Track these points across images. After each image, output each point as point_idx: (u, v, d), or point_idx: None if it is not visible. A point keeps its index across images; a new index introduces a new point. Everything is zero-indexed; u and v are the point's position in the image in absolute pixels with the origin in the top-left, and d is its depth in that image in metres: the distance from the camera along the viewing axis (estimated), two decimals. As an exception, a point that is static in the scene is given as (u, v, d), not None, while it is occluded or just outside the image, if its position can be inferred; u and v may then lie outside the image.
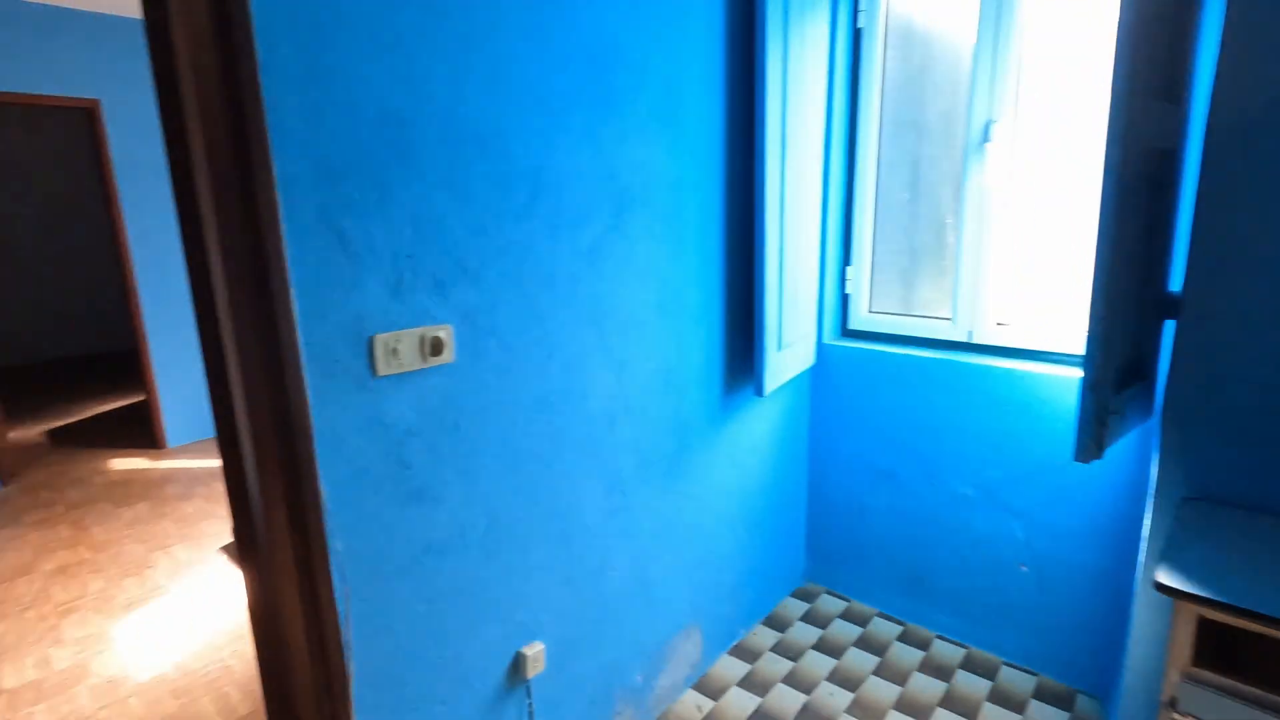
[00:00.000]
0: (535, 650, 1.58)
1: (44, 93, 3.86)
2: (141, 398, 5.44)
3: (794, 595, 2.69)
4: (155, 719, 2.10)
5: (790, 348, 2.23)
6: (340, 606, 1.20)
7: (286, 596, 1.18)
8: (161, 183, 4.28)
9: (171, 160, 1.13)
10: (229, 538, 3.25)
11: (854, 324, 2.55)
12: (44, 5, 3.79)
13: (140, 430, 4.84)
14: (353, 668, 1.23)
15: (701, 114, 1.85)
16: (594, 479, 1.71)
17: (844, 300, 2.56)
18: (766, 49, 1.85)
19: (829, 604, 2.62)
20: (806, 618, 2.54)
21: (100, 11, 3.96)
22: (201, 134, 1.03)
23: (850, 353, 2.47)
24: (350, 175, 1.14)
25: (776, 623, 2.51)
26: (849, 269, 2.52)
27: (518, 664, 1.57)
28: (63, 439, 4.73)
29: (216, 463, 4.24)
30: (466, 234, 1.32)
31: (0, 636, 2.53)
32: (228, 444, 1.22)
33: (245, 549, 1.26)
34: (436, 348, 1.28)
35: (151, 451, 4.47)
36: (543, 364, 1.52)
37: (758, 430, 2.32)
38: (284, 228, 1.06)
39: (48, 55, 3.84)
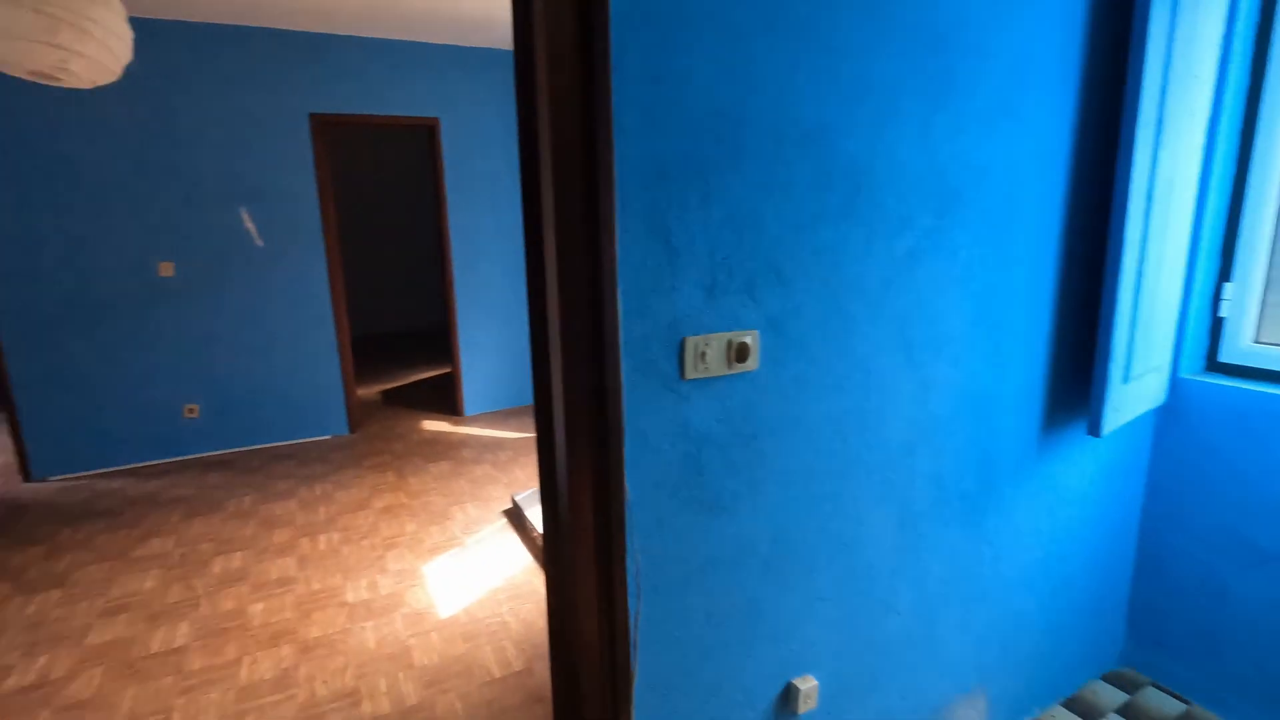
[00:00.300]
0: (808, 685, 1.47)
1: (397, 113, 4.67)
2: (448, 370, 6.41)
3: (1105, 678, 2.21)
4: (449, 656, 2.40)
5: (1137, 380, 1.81)
6: (632, 606, 1.20)
7: (584, 586, 1.21)
8: (479, 189, 4.96)
9: (523, 162, 1.21)
10: (509, 503, 3.65)
11: (1228, 355, 2.00)
12: (398, 41, 4.58)
13: (446, 398, 5.68)
14: (637, 668, 1.23)
15: (1050, 98, 1.56)
16: (885, 510, 1.53)
17: (1215, 325, 2.02)
18: (1151, 15, 1.50)
19: (1158, 701, 2.10)
20: (1126, 712, 2.06)
21: (441, 43, 4.68)
22: (551, 137, 1.08)
23: (1221, 392, 1.94)
24: (678, 175, 1.12)
25: (1081, 708, 2.08)
26: (1227, 286, 1.98)
27: (788, 695, 1.47)
28: (391, 399, 5.75)
29: (503, 434, 4.81)
30: (781, 236, 1.24)
31: (345, 558, 3.11)
32: (543, 432, 1.30)
33: (550, 534, 1.33)
34: (742, 354, 1.23)
35: (453, 417, 5.22)
36: (843, 378, 1.39)
37: (1081, 476, 1.93)
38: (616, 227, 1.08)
39: (401, 82, 4.64)
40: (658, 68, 1.07)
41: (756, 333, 1.25)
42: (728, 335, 1.21)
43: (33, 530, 3.42)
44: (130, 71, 3.26)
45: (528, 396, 5.47)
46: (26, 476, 4.07)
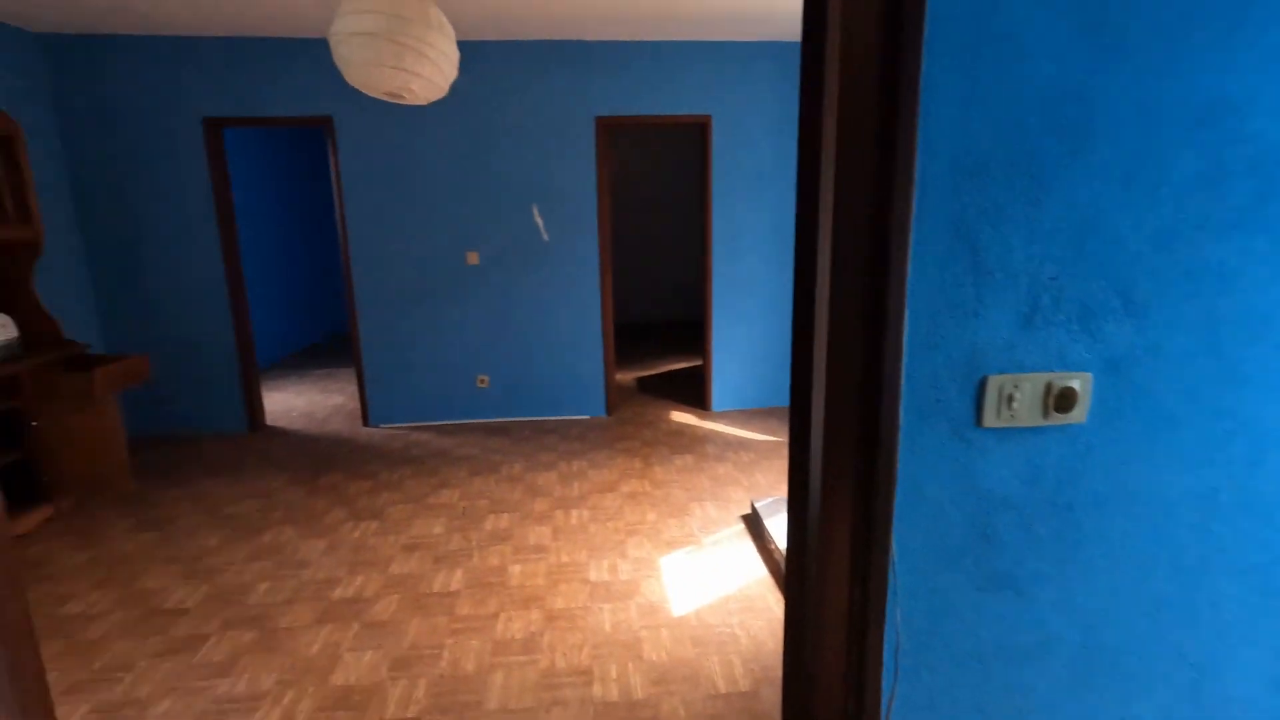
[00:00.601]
0: (1116, 833, 1.13)
1: (672, 113, 4.80)
2: (699, 364, 6.52)
3: None
4: (676, 658, 2.39)
5: None
6: (886, 685, 1.02)
7: (830, 649, 1.06)
8: (746, 186, 4.91)
9: (801, 153, 1.07)
10: (748, 508, 3.55)
11: None
12: (674, 42, 4.67)
13: (694, 391, 5.77)
14: (886, 758, 1.04)
15: None
16: (1263, 627, 1.11)
17: None
18: None
19: None
20: None
21: (715, 40, 4.68)
22: (838, 124, 0.93)
23: None
24: (999, 173, 0.89)
25: None
26: None
27: (1084, 836, 1.15)
28: (645, 386, 6.01)
29: (747, 434, 4.73)
30: (1140, 249, 0.94)
31: (592, 536, 3.29)
32: (796, 462, 1.16)
33: (793, 582, 1.19)
34: (1064, 401, 0.95)
35: (699, 411, 5.28)
36: (1217, 445, 1.02)
37: None
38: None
39: (676, 82, 4.74)
40: (981, 34, 0.85)
41: (1089, 376, 0.96)
42: (1047, 376, 0.95)
43: (365, 467, 4.22)
44: (455, 88, 3.78)
45: (776, 398, 5.31)
46: (365, 422, 5.04)
